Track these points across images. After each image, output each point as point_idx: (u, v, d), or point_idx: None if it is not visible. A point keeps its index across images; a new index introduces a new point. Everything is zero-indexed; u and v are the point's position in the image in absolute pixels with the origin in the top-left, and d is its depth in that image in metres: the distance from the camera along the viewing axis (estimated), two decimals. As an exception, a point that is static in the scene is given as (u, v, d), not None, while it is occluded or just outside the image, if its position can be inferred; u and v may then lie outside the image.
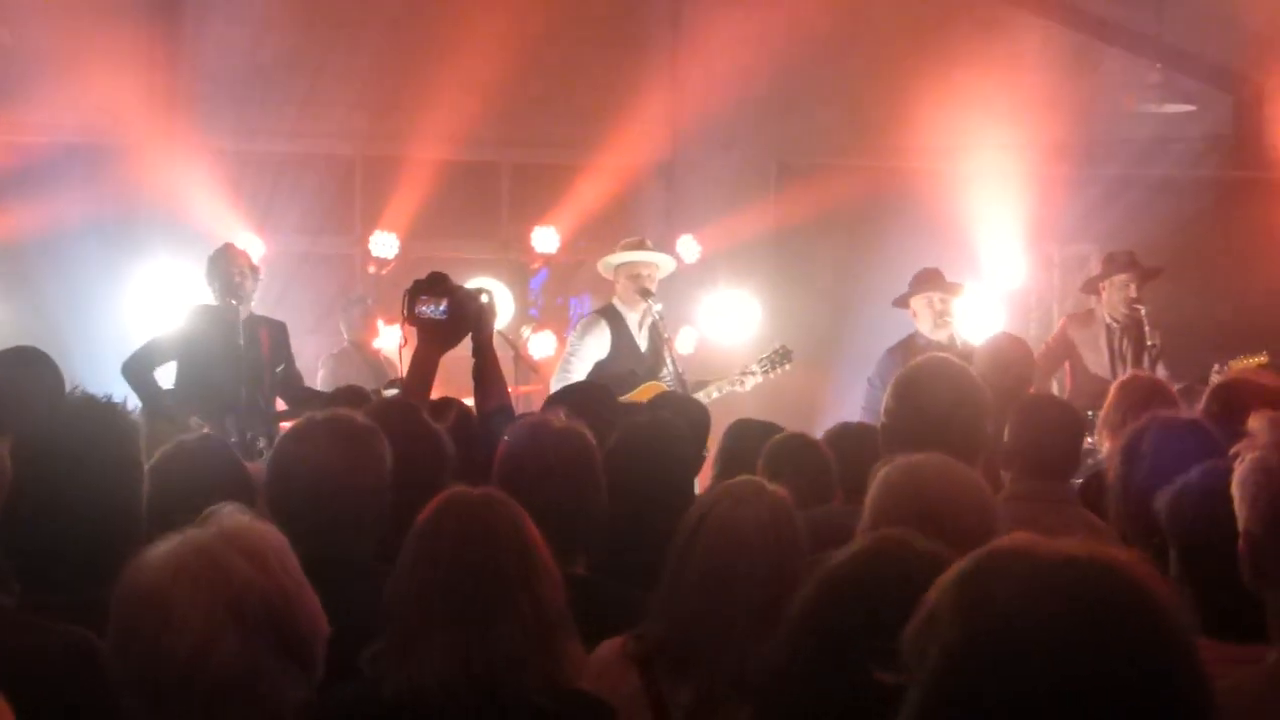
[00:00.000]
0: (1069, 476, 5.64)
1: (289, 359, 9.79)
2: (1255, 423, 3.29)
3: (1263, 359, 9.99)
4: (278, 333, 9.73)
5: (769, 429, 6.67)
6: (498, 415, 5.54)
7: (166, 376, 9.48)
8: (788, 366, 10.35)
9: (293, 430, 4.40)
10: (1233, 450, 3.34)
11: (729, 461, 6.21)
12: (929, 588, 2.28)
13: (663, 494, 4.78)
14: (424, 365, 5.66)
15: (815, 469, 5.79)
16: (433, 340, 5.67)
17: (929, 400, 4.86)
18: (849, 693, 2.50)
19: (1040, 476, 4.97)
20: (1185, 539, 3.62)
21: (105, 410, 3.65)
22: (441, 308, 5.60)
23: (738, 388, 10.10)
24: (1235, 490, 3.18)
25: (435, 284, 5.65)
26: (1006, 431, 5.29)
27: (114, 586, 3.44)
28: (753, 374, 10.21)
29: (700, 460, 6.35)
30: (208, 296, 9.65)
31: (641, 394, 9.27)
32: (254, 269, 9.70)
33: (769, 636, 3.70)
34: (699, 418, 6.61)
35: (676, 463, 5.35)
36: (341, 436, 4.25)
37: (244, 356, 9.30)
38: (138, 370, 9.26)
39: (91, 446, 3.55)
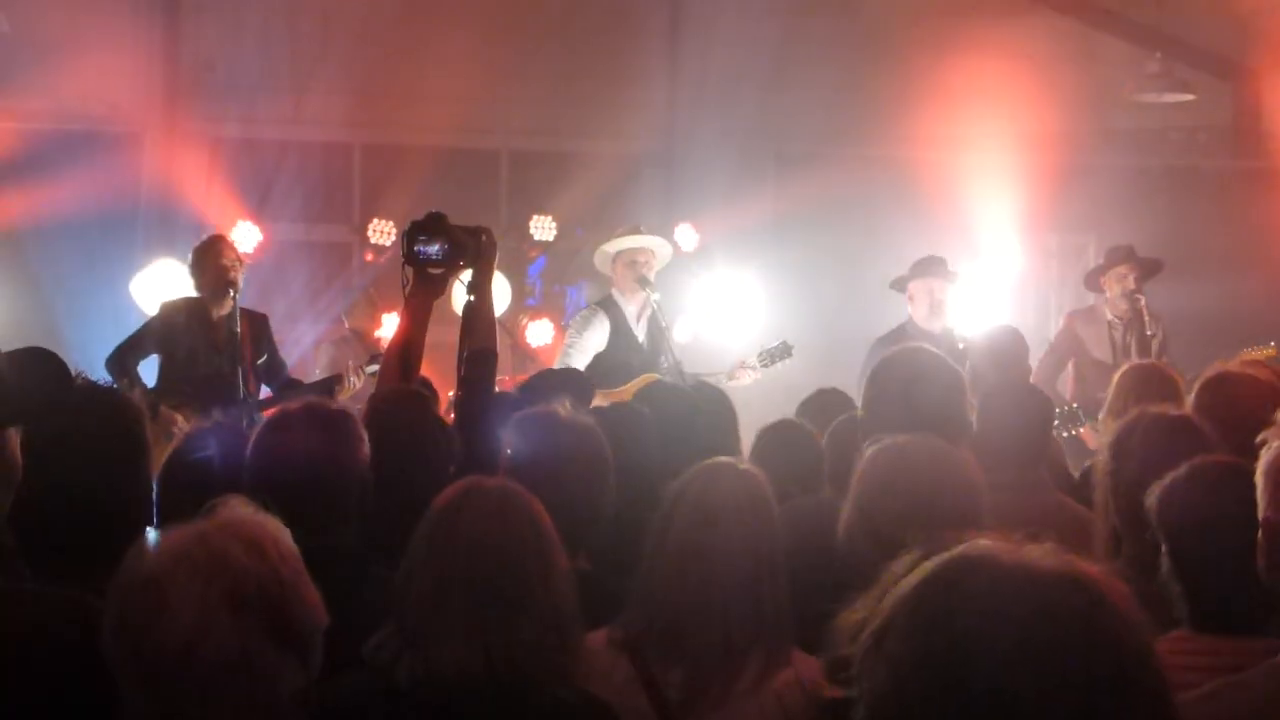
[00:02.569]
0: (1038, 463, 5.63)
1: (272, 350, 9.77)
2: None
3: (1271, 350, 9.97)
4: (258, 324, 9.68)
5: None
6: (477, 357, 5.52)
7: (150, 370, 9.50)
8: (787, 361, 10.33)
9: (270, 420, 4.40)
10: (1259, 438, 3.34)
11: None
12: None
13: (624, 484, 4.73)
14: (419, 306, 5.68)
15: (807, 458, 5.78)
16: (429, 280, 5.68)
17: (904, 390, 4.85)
18: None
19: (1009, 465, 4.97)
20: (1174, 534, 3.63)
21: (111, 398, 3.65)
22: (437, 247, 5.60)
23: (734, 382, 10.05)
24: (1260, 478, 3.17)
25: (432, 224, 5.64)
26: (974, 422, 5.29)
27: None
28: (752, 368, 10.17)
29: (688, 449, 6.32)
30: (190, 287, 9.61)
31: (638, 384, 9.29)
32: (242, 261, 9.66)
33: (749, 609, 3.74)
34: (677, 409, 6.56)
35: (640, 453, 5.30)
36: (318, 424, 4.26)
37: (224, 348, 9.29)
38: (120, 365, 9.27)
39: (97, 434, 3.55)
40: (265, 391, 9.62)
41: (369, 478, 4.29)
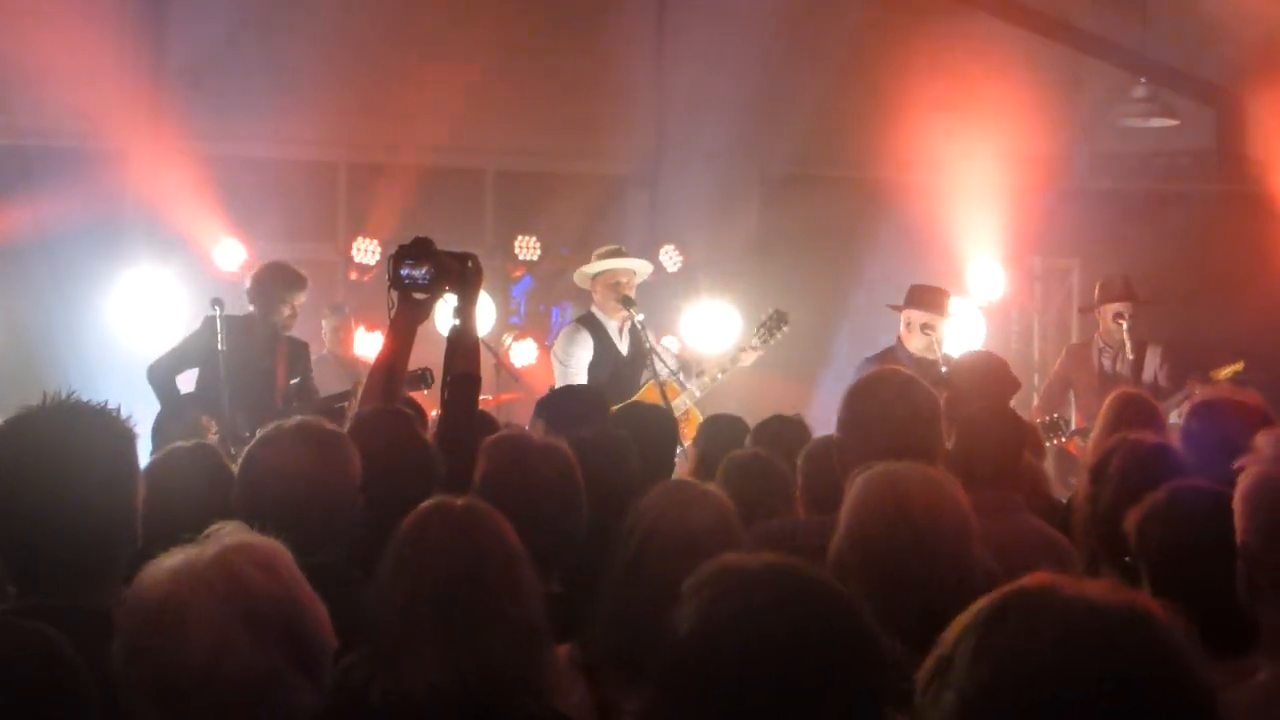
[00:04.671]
0: (1009, 486, 5.66)
1: (306, 374, 9.93)
2: (1261, 439, 3.31)
3: (1239, 365, 10.22)
4: (298, 349, 9.92)
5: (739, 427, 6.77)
6: (461, 381, 5.53)
7: (188, 382, 9.63)
8: (785, 329, 10.21)
9: (262, 437, 4.39)
10: (1237, 464, 3.35)
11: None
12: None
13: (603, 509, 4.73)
14: (403, 330, 5.71)
15: (774, 482, 5.82)
16: (414, 305, 5.70)
17: (880, 413, 4.85)
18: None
19: (981, 486, 5.01)
20: (1152, 559, 3.64)
21: (96, 415, 3.65)
22: (423, 272, 5.62)
23: (740, 364, 9.98)
24: (1237, 504, 3.18)
25: (419, 249, 5.66)
26: (950, 444, 5.32)
27: (111, 592, 3.46)
28: (753, 348, 10.06)
29: (667, 468, 6.36)
30: (243, 304, 9.76)
31: (647, 394, 9.33)
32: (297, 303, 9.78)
33: None
34: (660, 430, 6.58)
35: (621, 478, 5.30)
36: (309, 442, 4.28)
37: (258, 368, 9.42)
38: (161, 374, 9.48)
39: (80, 450, 3.54)
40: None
41: (358, 498, 4.30)
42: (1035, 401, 10.87)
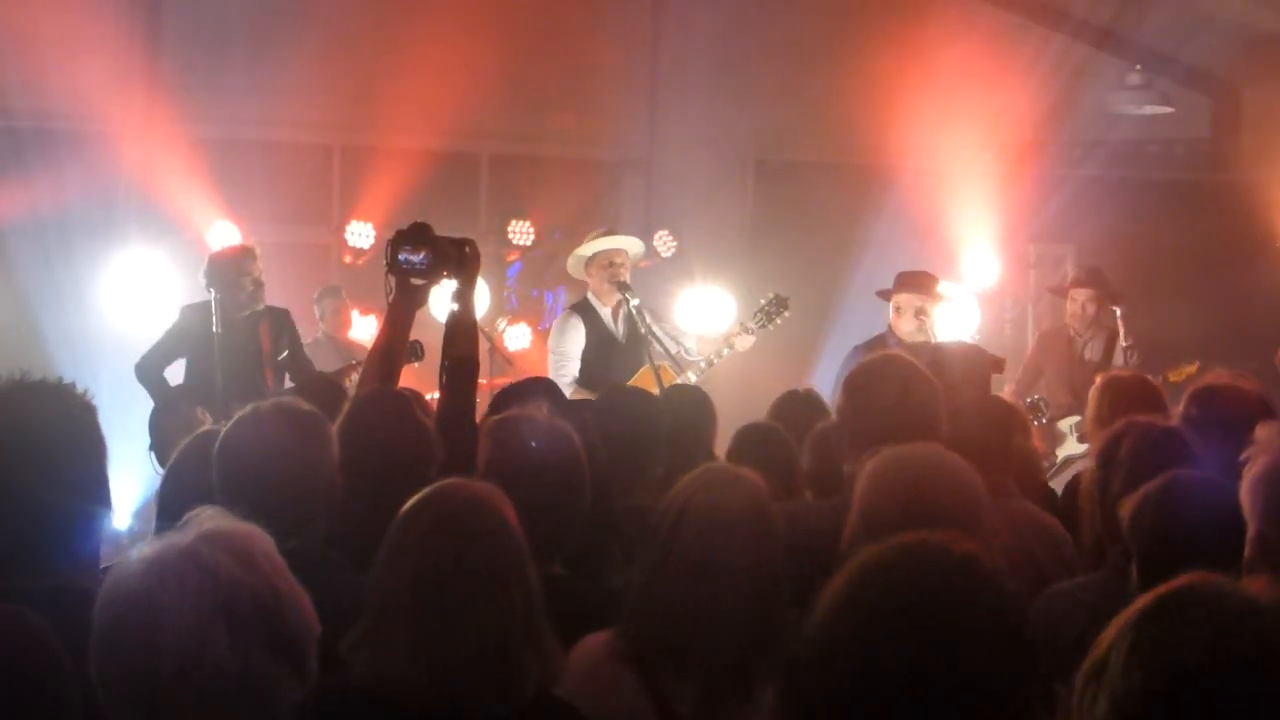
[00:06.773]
0: (1000, 471, 5.65)
1: (294, 345, 9.90)
2: (1260, 432, 3.29)
3: (1193, 368, 10.32)
4: (279, 321, 9.85)
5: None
6: (459, 365, 5.52)
7: (176, 374, 9.64)
8: (786, 314, 10.19)
9: (239, 418, 4.36)
10: (1243, 456, 3.32)
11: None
12: (962, 588, 2.23)
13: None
14: (401, 315, 5.70)
15: (783, 461, 5.81)
16: (412, 290, 5.68)
17: (877, 397, 4.87)
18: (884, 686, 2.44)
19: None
20: (1143, 548, 3.62)
21: (53, 392, 3.63)
22: (420, 257, 5.60)
23: (736, 349, 9.92)
24: (1245, 494, 3.15)
25: (417, 234, 5.64)
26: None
27: (84, 572, 3.44)
28: (749, 332, 10.00)
29: (706, 452, 6.33)
30: (202, 293, 9.65)
31: (643, 379, 9.30)
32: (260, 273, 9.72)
33: (759, 623, 3.68)
34: (699, 414, 6.55)
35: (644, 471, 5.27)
36: (285, 423, 4.26)
37: (243, 348, 9.38)
38: (148, 370, 9.53)
39: (39, 428, 3.53)
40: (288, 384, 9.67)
41: (336, 480, 4.27)
42: (1007, 386, 10.80)
